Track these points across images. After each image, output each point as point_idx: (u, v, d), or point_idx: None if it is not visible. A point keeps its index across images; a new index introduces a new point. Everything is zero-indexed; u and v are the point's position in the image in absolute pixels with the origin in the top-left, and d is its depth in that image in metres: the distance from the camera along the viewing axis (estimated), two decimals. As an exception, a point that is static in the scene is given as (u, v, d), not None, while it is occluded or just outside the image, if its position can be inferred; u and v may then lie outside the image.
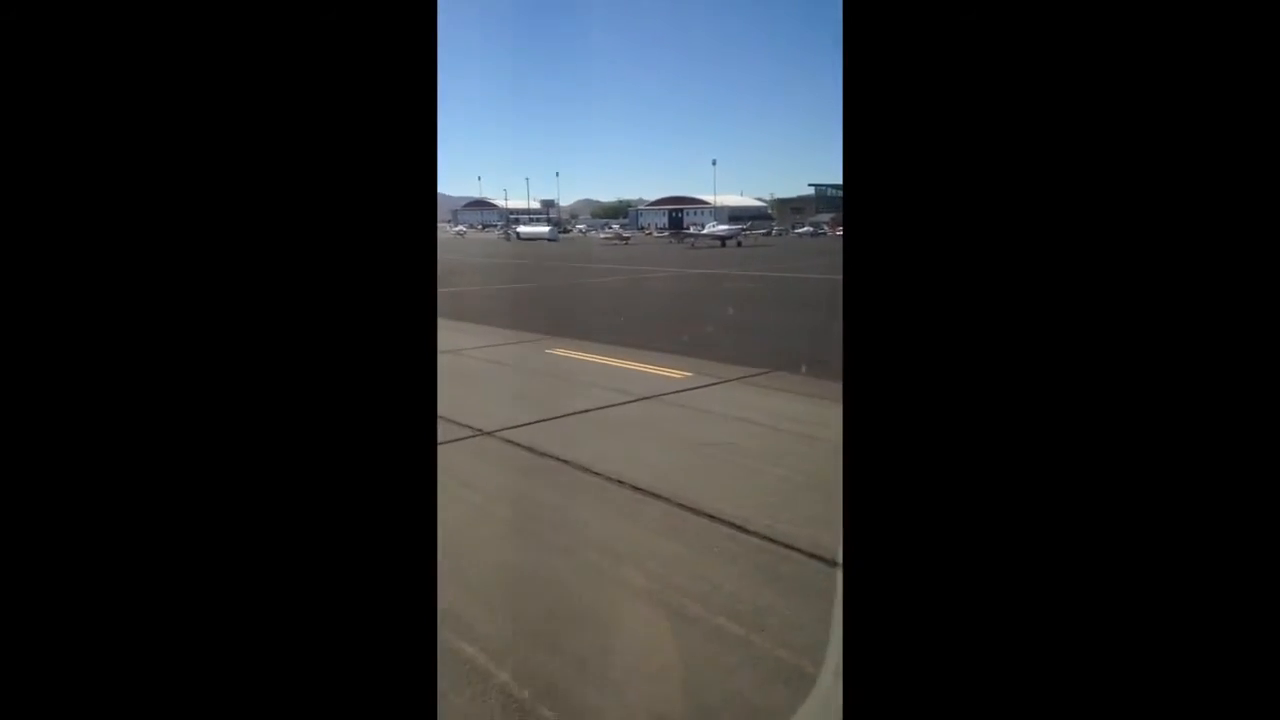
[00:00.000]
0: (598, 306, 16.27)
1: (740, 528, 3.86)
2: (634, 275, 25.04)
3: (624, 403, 6.70)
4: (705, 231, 52.75)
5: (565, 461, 4.99)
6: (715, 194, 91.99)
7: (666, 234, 65.09)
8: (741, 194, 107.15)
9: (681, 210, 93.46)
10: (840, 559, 1.16)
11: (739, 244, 46.15)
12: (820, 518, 3.85)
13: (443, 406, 5.92)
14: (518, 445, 5.38)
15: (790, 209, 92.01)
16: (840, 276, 1.13)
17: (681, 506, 4.17)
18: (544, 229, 68.55)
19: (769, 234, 63.88)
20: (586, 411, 6.36)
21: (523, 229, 69.67)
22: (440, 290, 1.22)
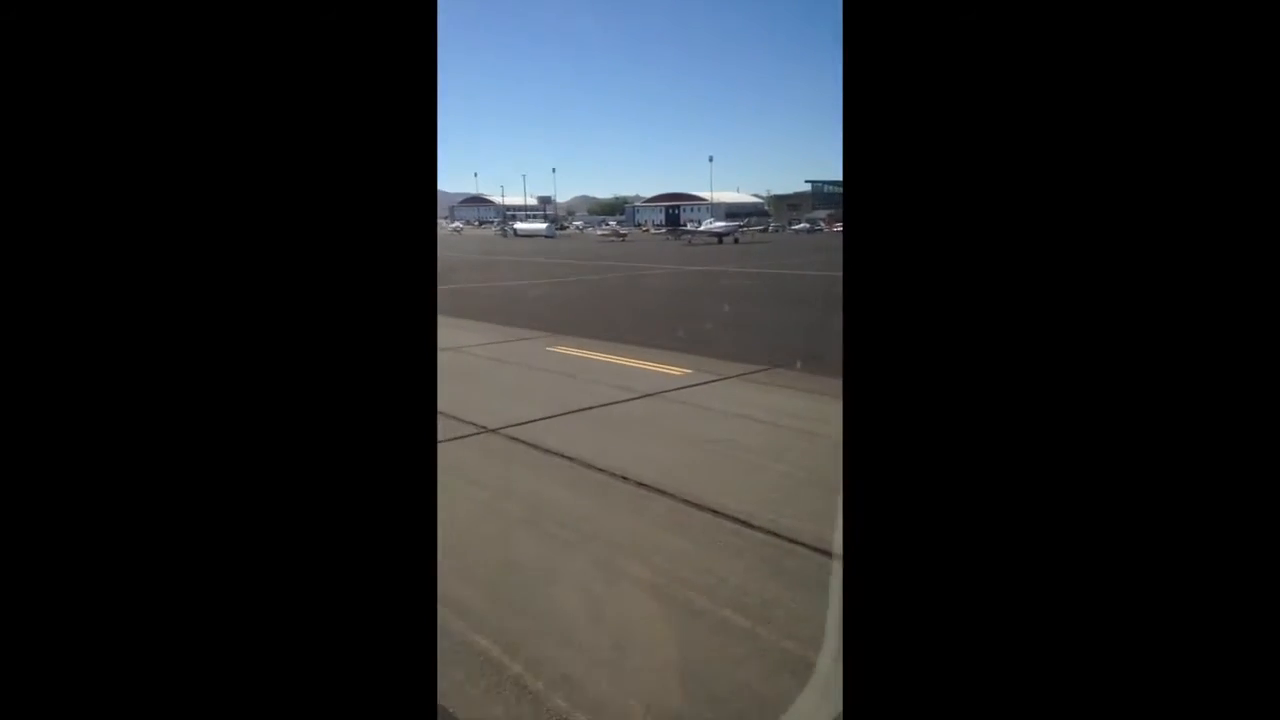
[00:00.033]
0: (598, 304, 16.31)
1: (745, 523, 3.92)
2: (633, 272, 25.07)
3: (626, 400, 6.76)
4: (702, 228, 52.80)
5: (570, 458, 5.04)
6: (712, 190, 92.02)
7: (664, 231, 65.01)
8: (738, 190, 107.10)
9: (678, 207, 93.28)
10: (840, 551, 1.18)
11: (736, 241, 46.17)
12: (822, 513, 3.91)
13: (447, 403, 5.94)
14: (523, 442, 5.43)
15: (787, 205, 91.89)
16: (838, 273, 1.16)
17: (686, 502, 4.24)
18: (541, 226, 68.44)
19: (766, 230, 63.87)
20: (589, 409, 6.42)
21: (520, 225, 69.54)
22: (439, 287, 1.24)
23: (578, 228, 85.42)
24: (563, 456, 5.09)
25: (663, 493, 4.39)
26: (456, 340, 9.68)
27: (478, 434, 5.62)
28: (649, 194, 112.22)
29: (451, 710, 2.49)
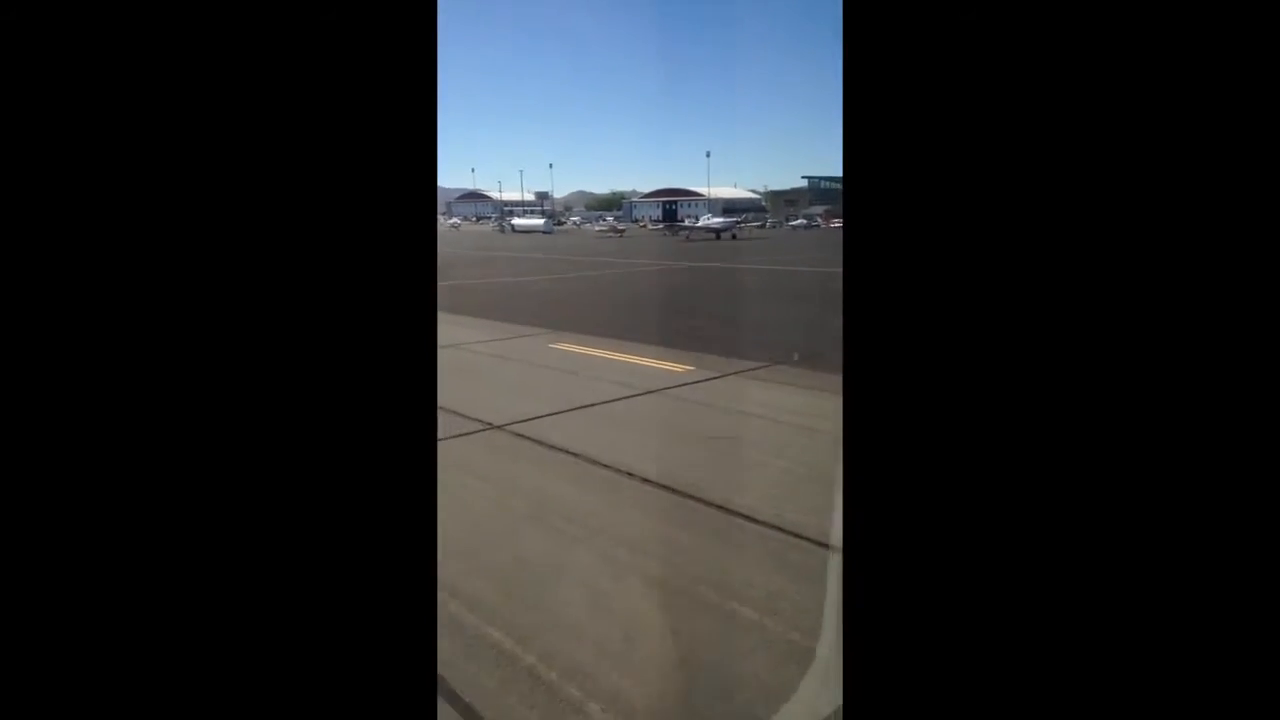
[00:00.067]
0: (598, 300, 16.35)
1: (749, 517, 3.99)
2: (631, 268, 25.09)
3: (629, 396, 6.82)
4: (700, 224, 52.83)
5: (576, 454, 5.11)
6: (709, 186, 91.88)
7: (661, 226, 65.06)
8: (735, 186, 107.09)
9: (675, 202, 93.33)
10: (840, 544, 1.19)
11: (734, 237, 46.20)
12: (825, 508, 3.98)
13: (452, 400, 5.99)
14: (528, 439, 5.50)
15: (784, 201, 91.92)
16: (836, 269, 1.21)
17: (691, 498, 4.31)
18: (539, 221, 68.40)
19: (763, 226, 63.91)
20: (593, 405, 6.48)
21: (517, 221, 69.52)
22: (439, 284, 1.25)
23: (575, 223, 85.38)
24: (568, 453, 5.16)
25: (667, 488, 4.46)
26: (458, 337, 9.74)
27: (484, 430, 5.68)
28: (646, 189, 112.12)
29: (451, 682, 2.58)
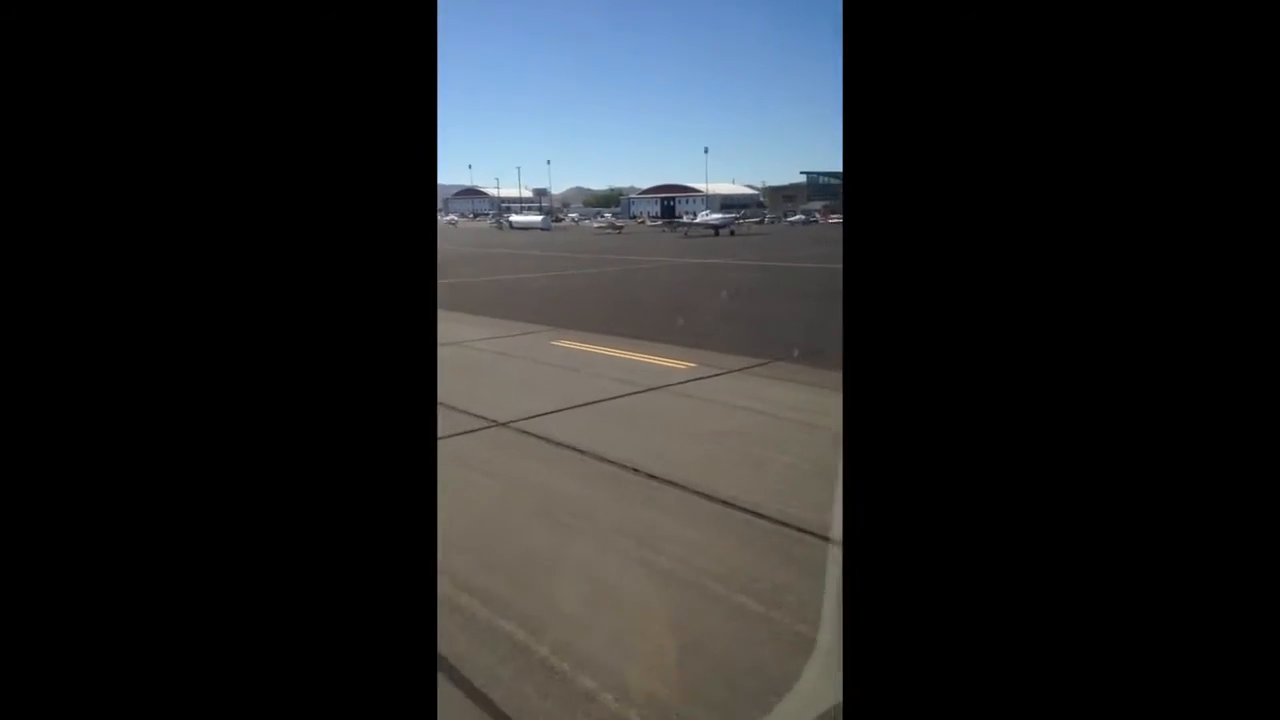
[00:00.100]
0: (598, 297, 16.40)
1: (754, 512, 4.06)
2: (631, 265, 25.12)
3: (632, 393, 6.88)
4: (699, 220, 52.83)
5: (581, 451, 5.17)
6: (707, 182, 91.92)
7: (660, 223, 65.05)
8: (733, 181, 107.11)
9: (674, 198, 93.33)
10: (840, 537, 1.22)
11: (732, 233, 46.25)
12: (828, 503, 4.05)
13: (456, 398, 6.04)
14: (534, 435, 5.56)
15: (782, 196, 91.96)
16: (835, 265, 1.26)
17: (696, 493, 4.37)
18: (537, 218, 68.39)
19: (761, 222, 63.93)
20: (597, 402, 6.55)
21: (515, 218, 69.54)
22: (439, 281, 1.25)
23: (573, 220, 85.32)
24: (574, 449, 5.22)
25: (673, 484, 4.52)
26: (460, 335, 9.78)
27: (489, 427, 5.74)
28: (644, 185, 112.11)
29: (467, 674, 2.65)
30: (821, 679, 2.61)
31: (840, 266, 1.19)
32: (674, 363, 8.11)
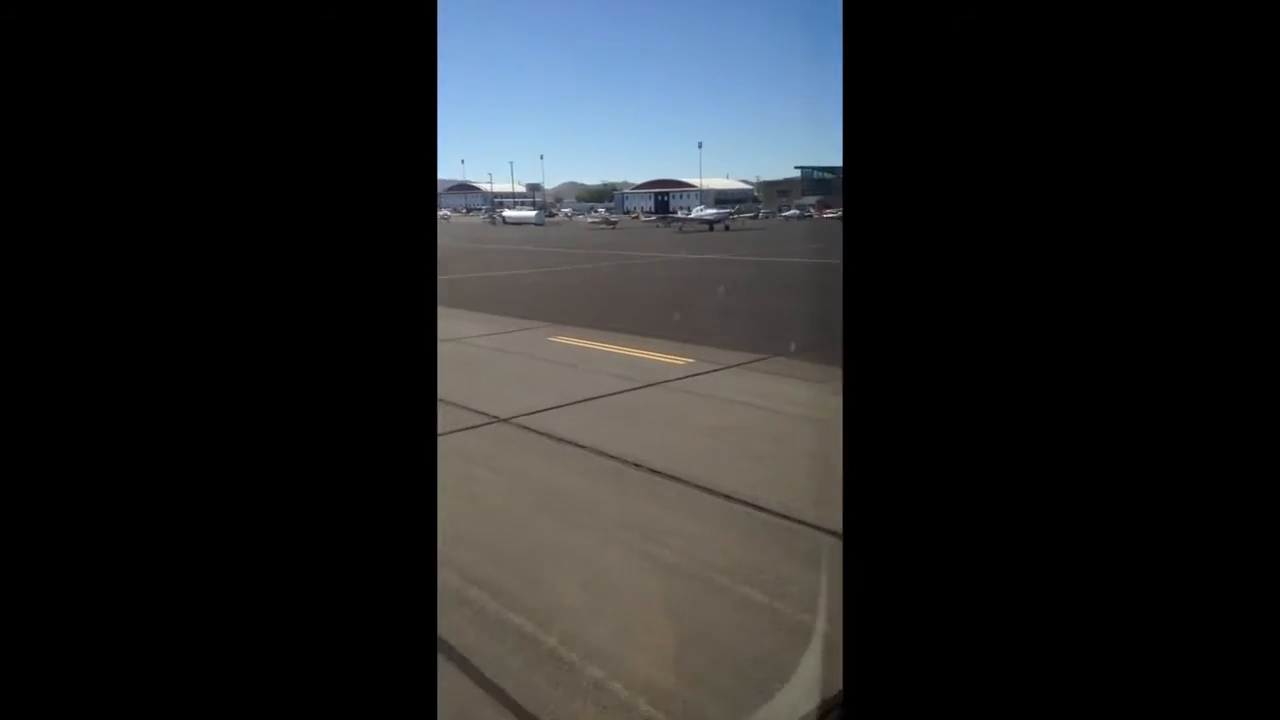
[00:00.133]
0: (594, 293, 16.43)
1: (756, 506, 4.13)
2: (626, 260, 25.16)
3: (631, 389, 6.93)
4: (693, 215, 52.83)
5: (583, 446, 5.23)
6: (701, 176, 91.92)
7: (654, 218, 64.99)
8: (728, 176, 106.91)
9: (668, 193, 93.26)
10: (841, 529, 1.23)
11: (727, 228, 46.24)
12: (828, 496, 4.12)
13: (457, 394, 6.09)
14: (535, 431, 5.61)
15: (777, 191, 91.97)
16: (831, 260, 1.28)
17: (698, 487, 4.43)
18: (530, 213, 68.32)
19: (756, 217, 63.88)
20: (597, 398, 6.60)
21: (508, 213, 69.45)
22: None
23: (566, 215, 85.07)
24: (575, 445, 5.27)
25: (674, 478, 4.58)
26: (458, 331, 9.82)
27: (490, 424, 5.79)
28: (638, 180, 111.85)
29: (461, 651, 2.71)
30: (824, 667, 2.67)
31: (836, 261, 1.22)
32: (671, 358, 8.16)
